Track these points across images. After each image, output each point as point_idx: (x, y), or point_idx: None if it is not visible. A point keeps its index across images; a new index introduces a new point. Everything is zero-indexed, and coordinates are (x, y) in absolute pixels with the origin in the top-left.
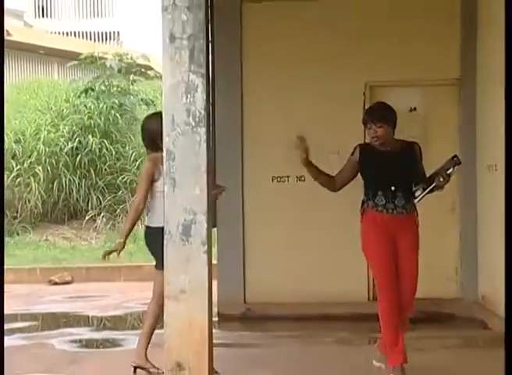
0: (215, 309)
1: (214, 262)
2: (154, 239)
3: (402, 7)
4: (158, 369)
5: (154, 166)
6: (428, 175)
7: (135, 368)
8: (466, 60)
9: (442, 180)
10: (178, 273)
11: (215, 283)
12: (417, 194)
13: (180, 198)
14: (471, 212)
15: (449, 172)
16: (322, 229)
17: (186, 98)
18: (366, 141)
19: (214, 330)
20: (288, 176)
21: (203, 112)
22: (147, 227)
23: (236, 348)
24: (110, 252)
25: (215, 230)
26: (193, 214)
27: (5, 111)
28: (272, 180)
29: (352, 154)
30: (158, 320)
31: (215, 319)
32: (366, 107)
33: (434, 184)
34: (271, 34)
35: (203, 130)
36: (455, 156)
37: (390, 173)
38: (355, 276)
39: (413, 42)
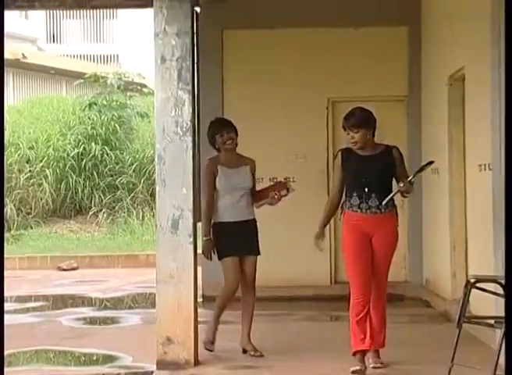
0: (199, 291)
1: (199, 251)
2: (213, 233)
3: (361, 39)
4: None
5: (212, 165)
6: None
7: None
8: (412, 80)
9: (402, 185)
10: (168, 261)
11: (200, 269)
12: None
13: (170, 197)
14: (417, 209)
15: (409, 179)
16: (290, 222)
17: (175, 111)
18: (342, 146)
19: (199, 310)
20: (262, 178)
21: (189, 123)
22: (213, 224)
23: None
24: (208, 253)
25: (199, 224)
26: (181, 210)
27: (5, 110)
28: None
29: (335, 159)
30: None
31: (200, 300)
32: (328, 119)
33: (396, 190)
34: (248, 57)
35: (189, 139)
36: (430, 162)
37: (365, 175)
38: (319, 263)
39: (370, 65)
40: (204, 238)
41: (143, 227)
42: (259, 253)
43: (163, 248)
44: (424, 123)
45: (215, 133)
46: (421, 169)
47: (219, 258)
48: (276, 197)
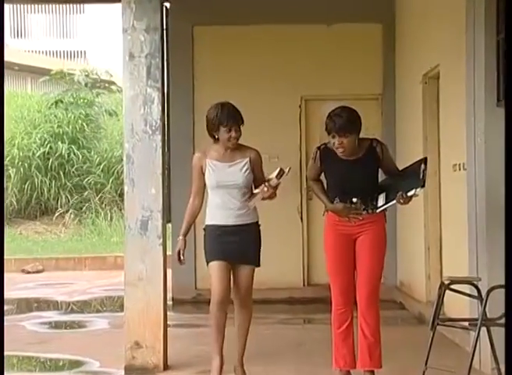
0: (169, 294)
1: (169, 253)
2: (204, 237)
3: (335, 36)
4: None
5: (199, 159)
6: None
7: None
8: (386, 78)
9: (402, 201)
10: (136, 263)
11: (169, 271)
12: (379, 203)
13: (138, 197)
14: (391, 210)
15: (410, 194)
16: (265, 224)
17: (144, 109)
18: (316, 145)
19: (168, 313)
20: None
21: (159, 121)
22: (204, 226)
23: (187, 327)
24: (178, 253)
25: (169, 225)
26: (150, 211)
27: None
28: None
29: (313, 159)
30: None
31: (170, 302)
32: (301, 118)
33: (393, 202)
34: (219, 54)
35: (159, 138)
36: (425, 163)
37: (349, 182)
38: (292, 264)
39: (343, 63)
40: (178, 238)
41: (111, 228)
42: (258, 264)
43: (132, 250)
44: (398, 121)
45: (221, 124)
46: (424, 175)
47: (206, 262)
48: (266, 188)
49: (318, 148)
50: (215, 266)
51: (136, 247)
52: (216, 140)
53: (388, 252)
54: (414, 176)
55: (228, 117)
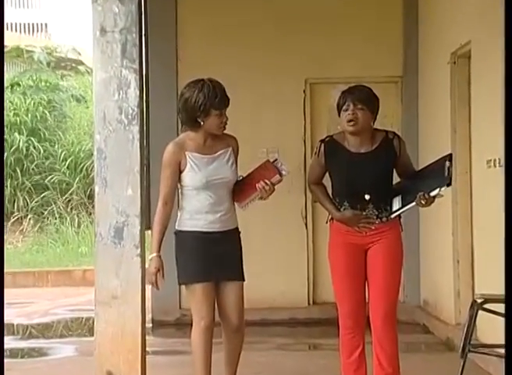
0: (148, 315)
1: (147, 265)
2: (177, 246)
3: (347, 6)
4: None
5: (177, 152)
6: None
7: None
8: (407, 58)
9: (424, 202)
10: (109, 277)
11: (148, 288)
12: (394, 207)
13: (112, 199)
14: (412, 214)
15: (433, 194)
16: (263, 232)
17: (119, 94)
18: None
19: (147, 337)
20: None
21: (136, 109)
22: (177, 232)
23: (170, 355)
24: (155, 276)
25: (149, 232)
26: (126, 216)
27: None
28: None
29: (316, 154)
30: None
31: (149, 325)
32: (306, 104)
33: (412, 205)
34: (209, 29)
35: (136, 128)
36: (449, 160)
37: (360, 180)
38: (295, 280)
39: (355, 39)
40: (150, 256)
41: (79, 237)
42: (244, 279)
43: (104, 262)
44: (421, 109)
45: (213, 107)
46: (450, 172)
47: (183, 283)
48: (267, 186)
49: (322, 140)
50: (199, 289)
51: (109, 258)
52: (197, 127)
53: (409, 265)
54: (438, 173)
55: (221, 98)
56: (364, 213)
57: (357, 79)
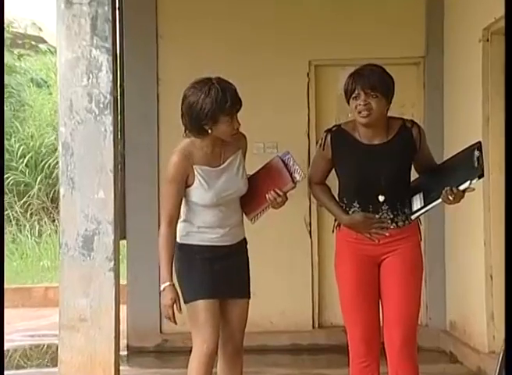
0: (123, 341)
1: (123, 282)
2: (178, 260)
3: None
4: None
5: (185, 165)
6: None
7: None
8: (431, 35)
9: (452, 198)
10: (77, 296)
11: (123, 308)
12: (414, 206)
13: (80, 203)
14: (436, 221)
15: (463, 187)
16: (259, 242)
17: (88, 78)
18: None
19: (121, 367)
20: None
21: (109, 96)
22: (178, 246)
23: None
24: (172, 308)
25: (124, 242)
26: (97, 223)
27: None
28: None
29: (321, 146)
30: None
31: (123, 353)
32: (310, 90)
33: (437, 202)
34: (194, 1)
35: (109, 119)
36: (478, 149)
37: (373, 176)
38: (297, 299)
39: (368, 14)
40: (163, 286)
41: (40, 248)
42: (249, 296)
43: (70, 279)
44: (447, 94)
45: (222, 112)
46: (480, 162)
47: (186, 301)
48: (280, 197)
49: (329, 130)
50: (205, 306)
51: (77, 274)
52: (203, 135)
53: (433, 281)
54: (466, 164)
55: (232, 102)
56: (377, 216)
57: (371, 60)
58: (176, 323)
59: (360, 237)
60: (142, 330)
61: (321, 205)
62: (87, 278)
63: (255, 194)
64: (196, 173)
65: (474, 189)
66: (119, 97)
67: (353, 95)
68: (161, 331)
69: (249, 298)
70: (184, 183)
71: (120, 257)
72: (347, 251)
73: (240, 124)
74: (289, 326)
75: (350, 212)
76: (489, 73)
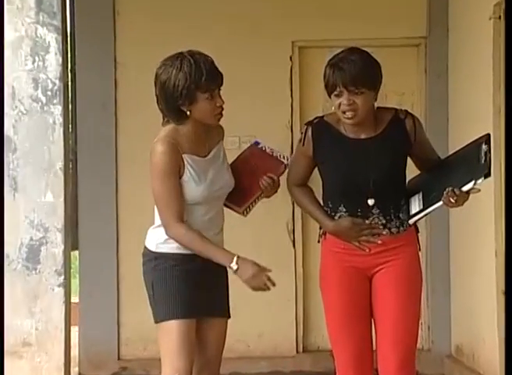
0: (74, 369)
1: (74, 299)
2: (151, 271)
3: None
4: None
5: (175, 154)
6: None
7: None
8: (434, 14)
9: (454, 200)
10: (21, 317)
11: (74, 330)
12: (412, 209)
13: (25, 207)
14: (440, 227)
15: (466, 188)
16: (234, 251)
17: (33, 61)
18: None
19: None
20: None
21: (58, 82)
22: (154, 255)
23: None
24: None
25: (76, 253)
26: (44, 230)
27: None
28: None
29: (301, 141)
30: None
31: None
32: (293, 76)
33: (438, 205)
34: None
35: (58, 109)
36: (486, 142)
37: (360, 175)
38: (279, 319)
39: None
40: (234, 263)
41: None
42: (229, 315)
43: (12, 295)
44: (453, 80)
45: (199, 88)
46: (487, 158)
47: (158, 320)
48: (274, 182)
49: (310, 123)
50: (179, 327)
51: (21, 290)
52: (183, 119)
53: (437, 298)
54: (472, 161)
55: (210, 75)
56: (367, 222)
57: (363, 41)
58: (274, 284)
59: (348, 246)
60: (96, 356)
61: (303, 210)
62: (32, 295)
63: (242, 186)
64: (186, 163)
65: (479, 190)
66: (69, 83)
67: (335, 93)
68: (118, 357)
69: (229, 317)
70: (178, 176)
71: (72, 270)
72: (333, 262)
73: (223, 102)
74: (269, 350)
75: (336, 218)
76: (501, 55)
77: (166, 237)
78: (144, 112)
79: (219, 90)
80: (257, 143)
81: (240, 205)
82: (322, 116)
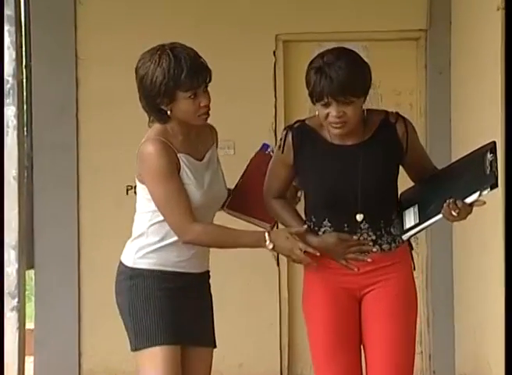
0: None
1: (29, 326)
2: (128, 290)
3: None
4: None
5: (171, 153)
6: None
7: None
8: (435, 5)
9: (455, 214)
10: None
11: (29, 360)
12: (407, 223)
13: None
14: (442, 243)
15: (470, 200)
16: (213, 271)
17: None
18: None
19: None
20: None
21: (11, 80)
22: (137, 271)
23: None
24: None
25: (31, 272)
26: None
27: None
28: (127, 192)
29: (280, 148)
30: None
31: None
32: (277, 73)
33: (437, 218)
34: None
35: (11, 111)
36: (492, 151)
37: (348, 189)
38: (261, 347)
39: None
40: (266, 238)
41: None
42: (215, 344)
43: None
44: (456, 78)
45: (179, 86)
46: (493, 167)
47: (138, 347)
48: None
49: (290, 126)
50: (164, 354)
51: None
52: (165, 119)
53: (439, 322)
54: (476, 170)
55: (191, 71)
56: (354, 238)
57: (355, 34)
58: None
59: (334, 265)
60: None
61: (283, 225)
62: None
63: (247, 204)
64: (182, 163)
65: (484, 202)
66: (24, 81)
67: (322, 103)
68: None
69: (215, 347)
70: (178, 174)
71: (26, 292)
72: (318, 284)
73: (209, 101)
74: None
75: (321, 234)
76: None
77: (146, 249)
78: (109, 115)
79: (206, 87)
80: (265, 147)
81: (270, 221)
82: (304, 120)
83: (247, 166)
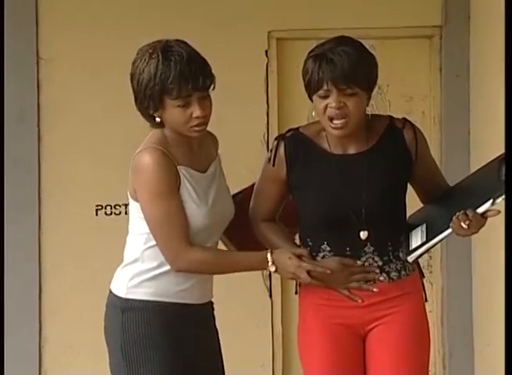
0: None
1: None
2: (127, 329)
3: None
4: None
5: (171, 166)
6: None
7: None
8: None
9: (466, 226)
10: None
11: None
12: (413, 243)
13: None
14: (460, 261)
15: (482, 209)
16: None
17: None
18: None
19: None
20: (126, 205)
21: None
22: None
23: None
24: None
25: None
26: None
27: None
28: (97, 213)
29: (271, 160)
30: None
31: None
32: (270, 76)
33: (447, 232)
34: None
35: None
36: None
37: (349, 205)
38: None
39: None
40: (269, 259)
41: None
42: None
43: None
44: (475, 82)
45: (165, 93)
46: (500, 175)
47: None
48: None
49: (282, 136)
50: None
51: None
52: (155, 123)
53: (455, 367)
54: (490, 179)
55: (183, 76)
56: (358, 263)
57: (359, 31)
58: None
59: (334, 296)
60: None
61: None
62: None
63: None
64: (182, 176)
65: (499, 212)
66: None
67: (320, 93)
68: None
69: None
70: (177, 191)
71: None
72: (315, 319)
73: (204, 112)
74: None
75: (319, 258)
76: None
77: (141, 277)
78: (74, 123)
79: (205, 95)
80: None
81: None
82: (297, 128)
83: (239, 193)
